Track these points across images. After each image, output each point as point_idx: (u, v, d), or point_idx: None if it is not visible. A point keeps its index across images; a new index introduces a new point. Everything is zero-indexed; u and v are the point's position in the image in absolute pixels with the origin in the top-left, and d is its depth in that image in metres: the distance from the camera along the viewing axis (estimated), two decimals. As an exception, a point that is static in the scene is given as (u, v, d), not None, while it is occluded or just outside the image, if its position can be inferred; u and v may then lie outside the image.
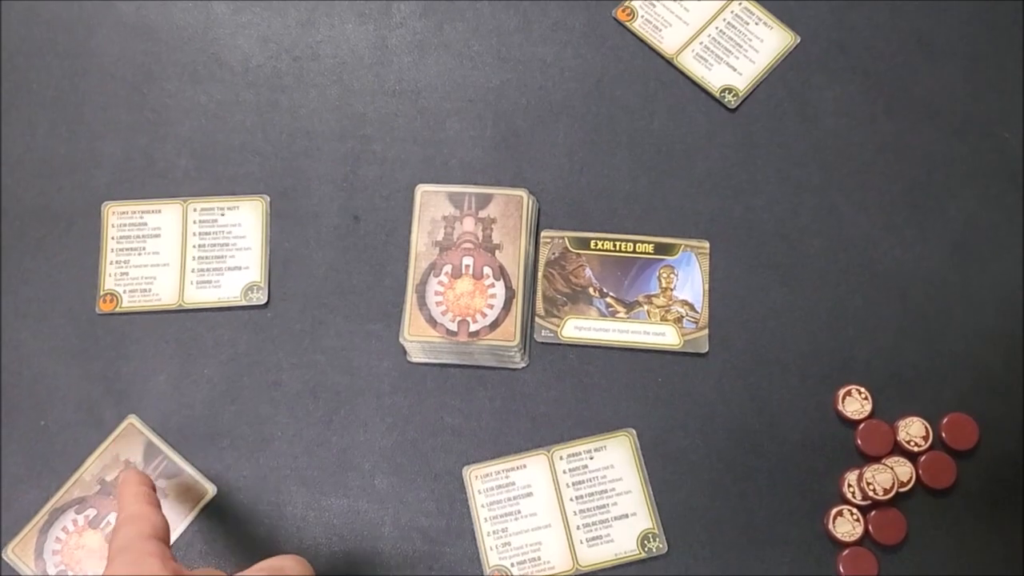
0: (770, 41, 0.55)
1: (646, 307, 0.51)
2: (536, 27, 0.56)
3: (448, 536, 0.47)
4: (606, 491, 0.48)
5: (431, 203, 0.52)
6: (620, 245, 0.52)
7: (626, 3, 0.56)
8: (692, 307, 0.51)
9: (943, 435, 0.48)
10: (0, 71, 0.55)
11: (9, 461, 0.49)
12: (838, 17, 0.56)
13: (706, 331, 0.50)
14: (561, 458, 0.48)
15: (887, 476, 0.47)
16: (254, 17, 0.57)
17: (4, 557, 0.47)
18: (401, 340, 0.49)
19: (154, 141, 0.54)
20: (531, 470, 0.48)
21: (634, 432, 0.49)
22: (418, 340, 0.49)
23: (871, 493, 0.47)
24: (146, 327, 0.51)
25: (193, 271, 0.51)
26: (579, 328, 0.50)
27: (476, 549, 0.47)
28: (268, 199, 0.53)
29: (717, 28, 0.55)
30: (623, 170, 0.53)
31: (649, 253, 0.52)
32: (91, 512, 0.47)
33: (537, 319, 0.51)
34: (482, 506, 0.48)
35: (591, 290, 0.51)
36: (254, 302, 0.51)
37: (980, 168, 0.53)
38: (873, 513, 0.47)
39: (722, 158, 0.53)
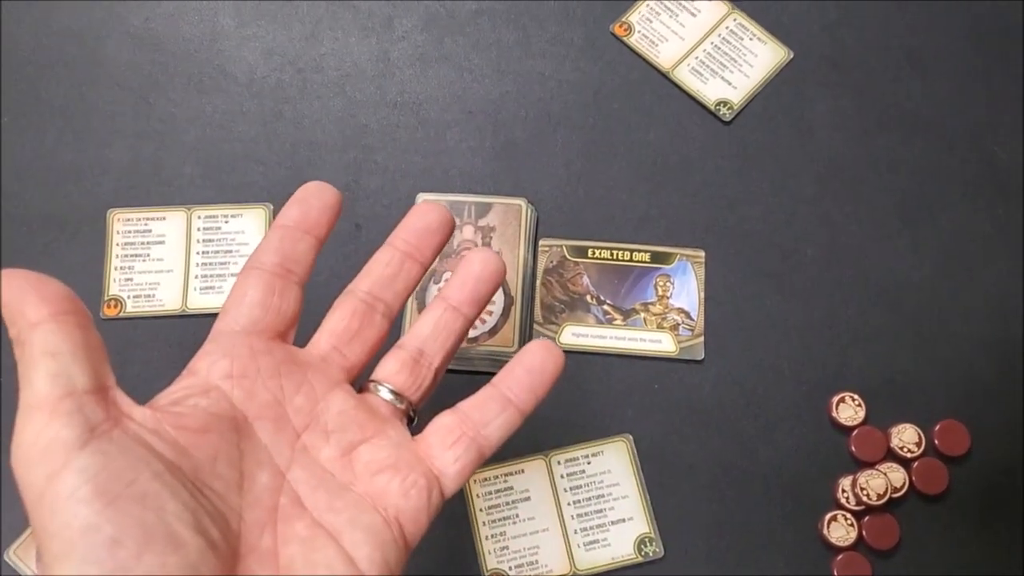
0: (764, 56, 0.56)
1: (643, 315, 0.52)
2: (535, 41, 0.57)
3: (446, 540, 0.48)
4: (603, 496, 0.48)
5: (432, 212, 0.52)
6: (617, 254, 0.53)
7: (623, 18, 0.57)
8: (688, 315, 0.51)
9: (935, 441, 0.49)
10: (9, 79, 0.56)
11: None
12: (830, 33, 0.57)
13: (702, 338, 0.51)
14: (559, 463, 0.49)
15: (880, 482, 0.48)
16: (259, 30, 0.58)
17: (6, 559, 0.47)
18: (401, 345, 0.50)
19: (160, 149, 0.55)
20: (529, 475, 0.49)
21: (631, 437, 0.49)
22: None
23: (865, 498, 0.47)
24: (149, 332, 0.51)
25: (197, 277, 0.52)
26: (576, 335, 0.51)
27: (474, 552, 0.47)
28: (271, 207, 0.54)
29: (712, 43, 0.57)
30: (620, 180, 0.54)
31: (646, 262, 0.52)
32: (93, 514, 0.48)
33: (535, 326, 0.51)
34: (480, 510, 0.48)
35: (588, 298, 0.52)
36: (256, 308, 0.52)
37: (970, 180, 0.54)
38: (867, 518, 0.48)
39: (717, 169, 0.54)
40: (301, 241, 0.34)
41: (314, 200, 0.35)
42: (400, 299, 0.36)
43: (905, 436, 0.49)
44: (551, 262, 0.52)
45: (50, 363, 0.26)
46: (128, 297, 0.52)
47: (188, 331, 0.51)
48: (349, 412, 0.33)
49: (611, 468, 0.49)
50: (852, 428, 0.49)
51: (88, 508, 0.24)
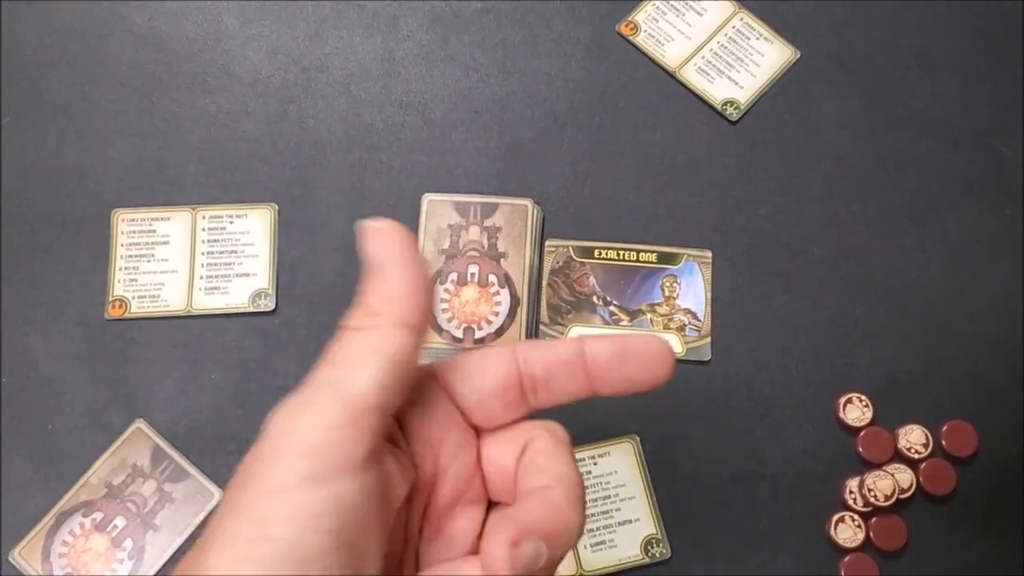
0: (771, 55, 0.56)
1: (649, 315, 0.51)
2: (541, 40, 0.57)
3: (453, 541, 0.48)
4: (609, 497, 0.48)
5: (437, 212, 0.52)
6: (623, 254, 0.52)
7: (630, 18, 0.57)
8: (695, 315, 0.51)
9: (943, 442, 0.49)
10: (11, 79, 0.56)
11: (16, 464, 0.49)
12: (837, 32, 0.57)
13: (708, 339, 0.51)
14: (565, 464, 0.49)
15: (888, 483, 0.47)
16: (263, 29, 0.57)
17: (11, 560, 0.47)
18: (407, 346, 0.50)
19: (164, 149, 0.55)
20: (535, 476, 0.49)
21: (637, 438, 0.49)
22: (424, 347, 0.50)
23: (872, 499, 0.47)
24: (154, 332, 0.51)
25: (201, 277, 0.52)
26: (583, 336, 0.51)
27: (481, 554, 0.47)
28: (276, 207, 0.53)
29: (719, 43, 0.56)
30: (627, 180, 0.54)
31: (652, 262, 0.52)
32: (98, 515, 0.48)
33: (541, 327, 0.51)
34: (487, 511, 0.48)
35: (595, 298, 0.52)
36: (262, 308, 0.51)
37: (977, 180, 0.54)
38: (874, 519, 0.48)
39: (724, 169, 0.54)
40: (576, 382, 0.28)
41: (644, 370, 0.28)
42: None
43: (912, 437, 0.49)
44: (557, 263, 0.52)
45: (388, 371, 0.24)
46: (133, 297, 0.51)
47: (193, 332, 0.51)
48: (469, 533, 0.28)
49: (617, 469, 0.49)
50: (859, 429, 0.49)
51: (318, 540, 0.22)
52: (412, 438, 0.27)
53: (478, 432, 0.28)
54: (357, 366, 0.24)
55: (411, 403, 0.27)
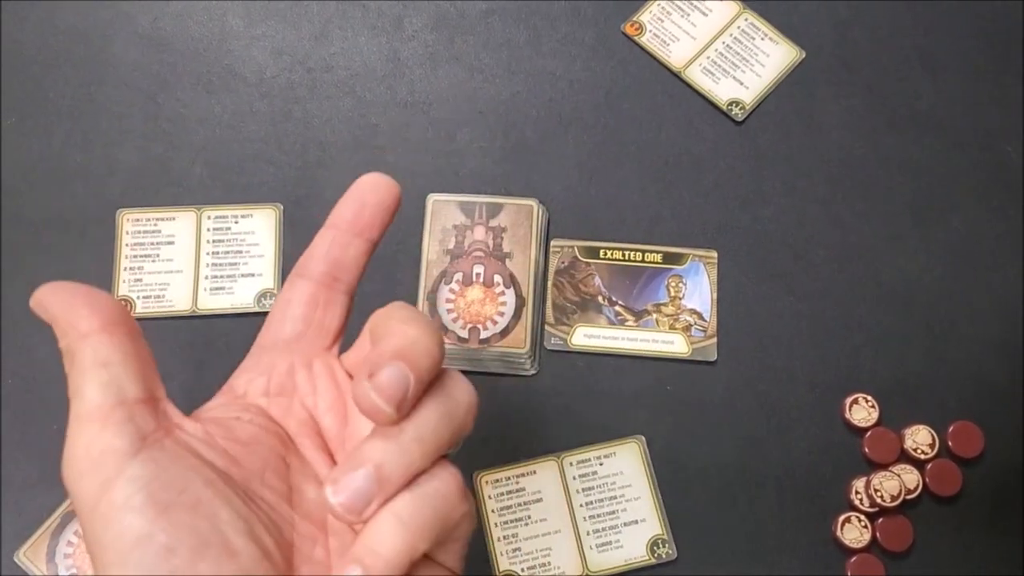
0: (776, 56, 0.56)
1: (655, 316, 0.51)
2: (546, 41, 0.57)
3: (459, 541, 0.48)
4: (615, 497, 0.48)
5: (442, 212, 0.52)
6: (629, 254, 0.52)
7: (634, 18, 0.57)
8: (700, 316, 0.51)
9: (949, 443, 0.49)
10: (15, 80, 0.56)
11: (21, 466, 0.49)
12: (841, 33, 0.57)
13: (714, 339, 0.51)
14: (571, 464, 0.49)
15: (894, 483, 0.47)
16: (268, 30, 0.57)
17: (16, 560, 0.47)
18: (413, 347, 0.50)
19: (169, 150, 0.55)
20: (541, 476, 0.49)
21: (643, 439, 0.49)
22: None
23: (878, 500, 0.47)
24: (159, 333, 0.51)
25: (207, 278, 0.52)
26: (588, 336, 0.51)
27: (486, 554, 0.47)
28: (282, 207, 0.53)
29: (724, 43, 0.56)
30: (632, 181, 0.54)
31: (658, 263, 0.52)
32: (103, 516, 0.48)
33: (547, 327, 0.51)
34: (492, 511, 0.48)
35: (600, 299, 0.52)
36: (267, 308, 0.51)
37: (981, 180, 0.54)
38: (880, 520, 0.47)
39: (729, 170, 0.54)
40: (351, 246, 0.32)
41: (369, 197, 0.32)
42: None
43: (919, 437, 0.49)
44: (563, 263, 0.52)
45: (101, 373, 0.26)
46: (138, 298, 0.51)
47: (198, 332, 0.51)
48: None
49: (623, 469, 0.49)
50: (865, 429, 0.49)
51: (141, 517, 0.24)
52: (256, 401, 0.31)
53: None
54: (78, 389, 0.26)
55: (246, 379, 0.31)
